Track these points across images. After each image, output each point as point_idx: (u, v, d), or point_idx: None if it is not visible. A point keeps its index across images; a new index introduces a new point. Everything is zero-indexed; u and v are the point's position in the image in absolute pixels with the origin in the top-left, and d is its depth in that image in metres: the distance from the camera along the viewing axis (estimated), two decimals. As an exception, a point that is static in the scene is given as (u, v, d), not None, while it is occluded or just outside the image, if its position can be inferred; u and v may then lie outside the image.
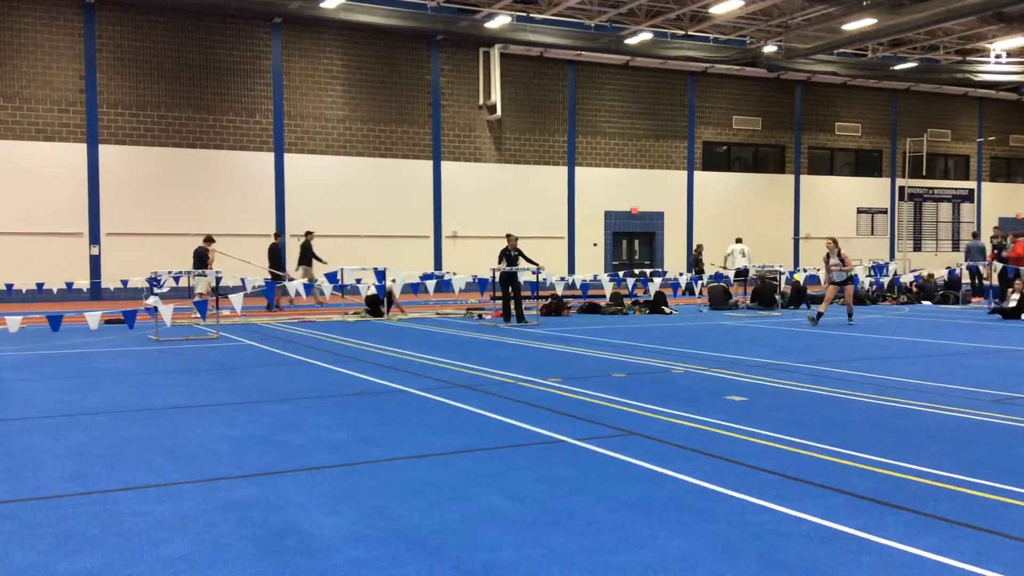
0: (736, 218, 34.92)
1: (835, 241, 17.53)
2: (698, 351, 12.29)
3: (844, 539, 4.25)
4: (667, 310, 20.06)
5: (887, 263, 31.41)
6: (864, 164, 39.02)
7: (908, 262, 36.41)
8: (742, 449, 6.16)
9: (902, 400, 8.19)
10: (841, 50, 33.40)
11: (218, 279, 16.77)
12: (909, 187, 39.82)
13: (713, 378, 9.70)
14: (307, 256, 23.71)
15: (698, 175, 35.06)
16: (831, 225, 36.01)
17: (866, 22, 29.15)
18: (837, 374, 9.94)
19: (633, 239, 34.54)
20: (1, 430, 7.02)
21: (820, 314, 16.81)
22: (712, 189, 35.27)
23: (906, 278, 23.68)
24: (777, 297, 20.98)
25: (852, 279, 17.58)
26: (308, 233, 24.34)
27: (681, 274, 26.07)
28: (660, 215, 34.39)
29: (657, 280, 20.99)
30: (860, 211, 38.66)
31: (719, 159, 35.87)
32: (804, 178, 37.34)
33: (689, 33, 31.27)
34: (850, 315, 17.26)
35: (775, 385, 9.16)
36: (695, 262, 29.58)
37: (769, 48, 32.52)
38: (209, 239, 21.08)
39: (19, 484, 5.35)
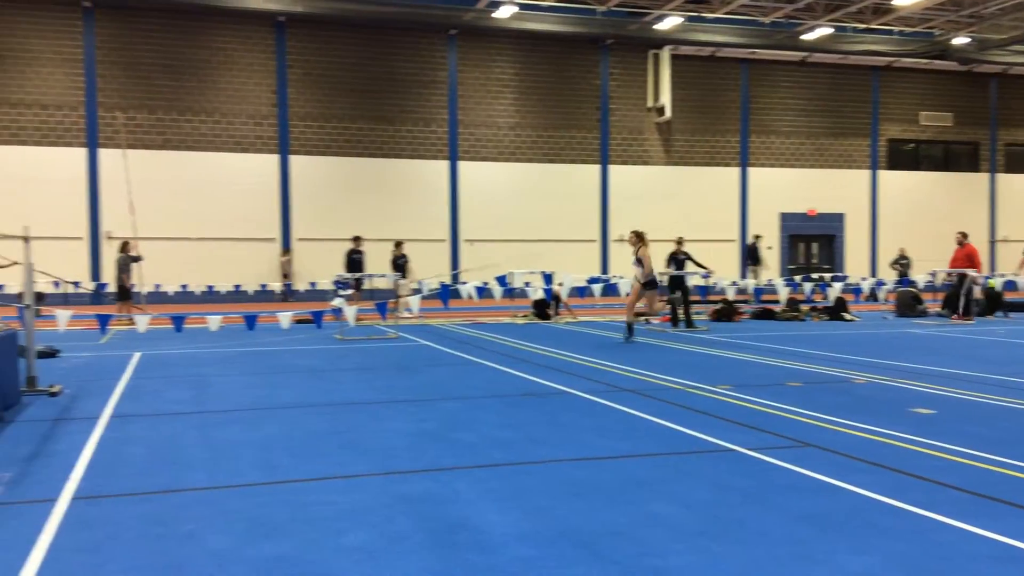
0: (925, 219, 32.86)
1: (638, 236, 14.80)
2: (881, 360, 11.66)
3: (1044, 565, 3.94)
4: (848, 317, 19.12)
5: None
6: (1072, 160, 35.76)
7: None
8: (928, 464, 5.81)
9: (1116, 418, 7.46)
10: (1044, 38, 30.77)
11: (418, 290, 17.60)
12: None
13: (897, 389, 9.18)
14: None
15: (882, 174, 33.28)
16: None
17: (1075, 5, 26.76)
18: (1039, 388, 9.17)
19: (811, 242, 33.19)
20: (203, 422, 7.63)
21: (630, 325, 14.50)
22: (898, 189, 33.39)
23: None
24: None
25: (654, 283, 14.81)
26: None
27: (864, 279, 24.76)
28: (840, 216, 32.88)
29: (838, 285, 20.04)
30: (1067, 211, 35.44)
31: (906, 157, 33.89)
32: (1000, 177, 34.67)
33: (871, 26, 29.74)
34: (640, 323, 14.08)
35: (965, 397, 8.57)
36: (751, 253, 26.59)
37: (960, 40, 30.44)
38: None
39: (216, 472, 5.79)
